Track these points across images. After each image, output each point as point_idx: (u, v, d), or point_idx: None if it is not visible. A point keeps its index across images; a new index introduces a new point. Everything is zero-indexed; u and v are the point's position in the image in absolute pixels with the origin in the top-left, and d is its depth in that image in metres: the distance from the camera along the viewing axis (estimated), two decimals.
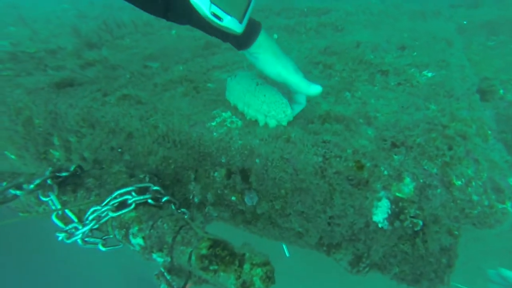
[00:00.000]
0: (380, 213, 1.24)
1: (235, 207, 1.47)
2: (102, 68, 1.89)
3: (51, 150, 1.64)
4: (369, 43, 2.42)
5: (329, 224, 1.35)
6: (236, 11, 1.01)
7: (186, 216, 1.30)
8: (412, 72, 1.96)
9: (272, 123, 1.31)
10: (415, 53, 2.25)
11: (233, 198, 1.43)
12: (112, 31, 2.45)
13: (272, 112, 1.29)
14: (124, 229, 1.09)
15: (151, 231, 1.10)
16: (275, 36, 2.59)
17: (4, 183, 1.18)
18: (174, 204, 1.40)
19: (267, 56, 1.20)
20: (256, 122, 1.35)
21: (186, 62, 1.97)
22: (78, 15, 3.73)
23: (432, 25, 3.06)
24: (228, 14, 1.00)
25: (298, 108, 1.36)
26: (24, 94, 1.58)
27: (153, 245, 1.08)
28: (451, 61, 2.06)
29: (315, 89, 1.22)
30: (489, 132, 1.39)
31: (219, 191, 1.45)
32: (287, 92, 1.37)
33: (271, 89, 1.31)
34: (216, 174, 1.40)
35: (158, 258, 1.11)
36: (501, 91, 2.00)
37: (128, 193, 1.19)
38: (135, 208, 1.17)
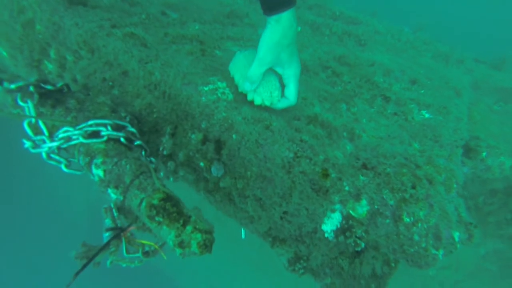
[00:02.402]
0: (330, 224, 1.30)
1: (201, 173, 1.51)
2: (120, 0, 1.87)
3: (45, 61, 1.63)
4: (384, 66, 2.44)
5: (281, 218, 1.40)
6: None
7: (152, 166, 1.33)
8: (411, 108, 2.00)
9: (258, 100, 1.34)
10: (423, 91, 2.28)
11: (201, 164, 1.46)
12: None
13: (260, 89, 1.32)
14: (89, 157, 1.12)
15: (113, 167, 1.13)
16: (299, 29, 2.58)
17: None
18: (145, 150, 1.44)
19: (272, 34, 1.21)
20: (245, 97, 1.38)
21: (204, 24, 1.96)
22: None
23: (450, 71, 3.08)
24: None
25: (284, 103, 1.38)
26: None
27: (111, 181, 1.11)
28: (451, 111, 2.09)
29: (292, 99, 1.37)
30: (455, 185, 1.44)
31: (190, 153, 1.48)
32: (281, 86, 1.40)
33: (271, 73, 1.33)
34: (193, 136, 1.43)
35: (112, 194, 1.15)
36: (484, 153, 2.06)
37: (104, 125, 1.21)
38: (106, 141, 1.20)
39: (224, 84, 1.42)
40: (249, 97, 1.36)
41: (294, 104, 1.39)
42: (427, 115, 1.99)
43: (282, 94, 1.37)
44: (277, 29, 1.19)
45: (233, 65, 1.46)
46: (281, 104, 1.37)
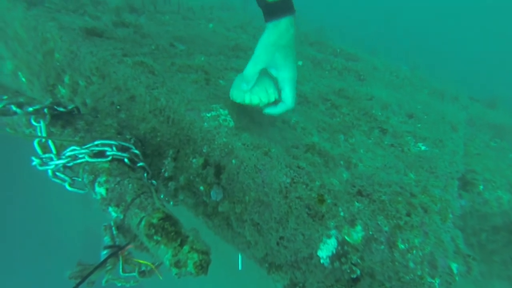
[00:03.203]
0: (326, 250, 1.31)
1: (200, 197, 1.54)
2: (133, 32, 2.01)
3: (59, 86, 1.73)
4: (382, 100, 2.53)
5: (277, 243, 1.41)
6: None
7: (152, 186, 1.37)
8: (408, 140, 2.06)
9: (255, 99, 1.39)
10: (419, 125, 2.35)
11: (201, 188, 1.50)
12: (156, 4, 2.58)
13: (256, 88, 1.38)
14: (93, 176, 1.16)
15: (116, 186, 1.17)
16: (300, 63, 2.71)
17: (5, 97, 1.27)
18: (147, 172, 1.48)
19: (269, 35, 1.27)
20: (246, 125, 1.44)
21: (210, 56, 2.08)
22: None
23: (446, 107, 3.17)
24: None
25: (282, 107, 1.42)
26: (56, 28, 1.69)
27: (113, 199, 1.15)
28: (447, 144, 2.15)
29: (290, 103, 1.40)
30: (450, 215, 1.46)
31: (191, 177, 1.52)
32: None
33: (266, 76, 1.40)
34: (194, 160, 1.48)
35: (113, 213, 1.18)
36: (481, 187, 2.08)
37: (110, 146, 1.27)
38: (110, 161, 1.25)
39: (226, 112, 1.49)
40: (247, 99, 1.40)
41: (291, 107, 1.43)
42: (423, 148, 2.04)
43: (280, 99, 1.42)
44: (273, 31, 1.26)
45: (232, 87, 1.52)
46: (279, 109, 1.41)
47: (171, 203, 1.68)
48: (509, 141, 3.11)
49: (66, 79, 1.68)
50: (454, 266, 1.28)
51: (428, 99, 3.32)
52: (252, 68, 1.33)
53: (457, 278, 1.29)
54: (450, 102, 3.50)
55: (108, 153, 1.24)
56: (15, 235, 6.79)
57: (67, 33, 1.64)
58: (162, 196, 1.62)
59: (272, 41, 1.28)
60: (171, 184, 1.43)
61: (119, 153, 1.27)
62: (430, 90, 3.61)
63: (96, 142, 1.21)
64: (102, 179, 1.16)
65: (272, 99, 1.41)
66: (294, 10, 1.27)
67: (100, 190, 1.15)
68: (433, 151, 2.03)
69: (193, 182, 1.53)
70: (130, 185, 1.20)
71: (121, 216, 1.16)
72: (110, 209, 1.18)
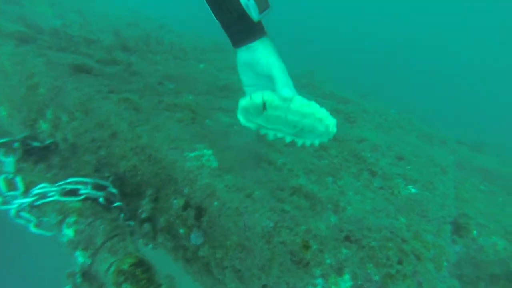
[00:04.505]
0: None
1: (180, 241, 1.45)
2: (123, 69, 2.02)
3: (41, 121, 1.69)
4: (371, 142, 2.52)
5: None
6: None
7: (128, 228, 1.28)
8: (398, 182, 2.02)
9: (259, 97, 1.15)
10: (409, 167, 2.33)
11: (181, 230, 1.41)
12: (149, 44, 2.64)
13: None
14: (62, 216, 1.08)
15: (86, 227, 1.09)
16: None
17: None
18: (124, 213, 1.40)
19: (267, 47, 1.16)
20: (229, 166, 1.39)
21: (198, 95, 2.08)
22: (131, 23, 4.05)
23: (435, 150, 3.18)
24: None
25: (288, 92, 1.16)
26: (43, 63, 1.68)
27: (81, 242, 1.06)
28: (438, 187, 2.11)
29: (288, 92, 1.10)
30: (445, 263, 1.38)
31: (171, 219, 1.44)
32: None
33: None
34: (175, 201, 1.41)
35: (80, 257, 1.08)
36: (475, 232, 2.02)
37: (84, 184, 1.20)
38: (83, 200, 1.17)
39: (210, 152, 1.45)
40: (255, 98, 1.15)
41: (292, 94, 1.13)
42: (413, 190, 2.00)
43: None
44: (270, 45, 1.18)
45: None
46: (286, 92, 1.11)
47: (150, 246, 1.57)
48: (498, 185, 3.10)
49: (49, 113, 1.64)
50: None
51: (417, 142, 3.34)
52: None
53: None
54: (438, 145, 3.53)
55: (81, 191, 1.17)
56: None
57: (54, 69, 1.64)
58: (139, 240, 1.52)
59: (267, 58, 1.16)
60: (146, 226, 1.35)
61: (94, 192, 1.21)
62: (419, 133, 3.64)
63: (69, 180, 1.15)
64: (71, 219, 1.09)
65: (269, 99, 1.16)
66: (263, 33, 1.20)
67: (68, 232, 1.07)
68: (423, 193, 1.99)
69: (173, 224, 1.45)
70: (102, 226, 1.12)
71: (89, 261, 1.07)
72: (77, 253, 1.08)
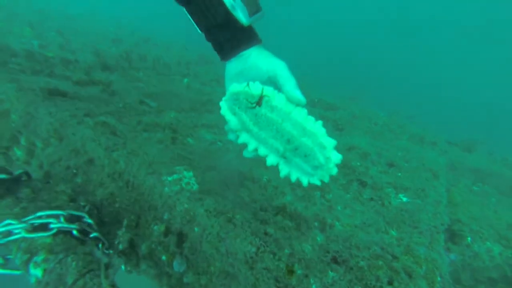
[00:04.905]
0: None
1: (163, 268, 1.39)
2: (101, 90, 1.97)
3: (15, 148, 1.63)
4: (361, 150, 2.49)
5: None
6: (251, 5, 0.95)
7: (104, 261, 1.22)
8: (388, 192, 1.97)
9: (258, 88, 0.95)
10: (400, 174, 2.29)
11: (163, 257, 1.35)
12: (131, 61, 2.59)
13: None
14: (29, 254, 1.02)
15: (56, 265, 1.03)
16: None
17: None
18: (103, 243, 1.33)
19: (262, 51, 1.02)
20: (209, 188, 1.34)
21: (181, 112, 2.03)
22: (115, 39, 4.00)
23: (426, 153, 3.16)
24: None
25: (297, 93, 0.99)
26: (13, 89, 1.63)
27: (50, 282, 1.00)
28: (429, 194, 2.07)
29: (300, 94, 0.92)
30: (438, 278, 1.34)
31: (153, 245, 1.38)
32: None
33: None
34: (155, 227, 1.35)
35: None
36: (469, 238, 1.98)
37: (56, 216, 1.14)
38: (54, 234, 1.11)
39: (191, 174, 1.40)
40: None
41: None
42: (404, 199, 1.96)
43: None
44: (264, 51, 1.03)
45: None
46: (298, 94, 0.94)
47: (134, 273, 1.51)
48: (490, 185, 3.09)
49: (22, 140, 1.59)
50: None
51: (408, 145, 3.31)
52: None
53: None
54: (429, 147, 3.51)
55: (52, 225, 1.11)
56: None
57: (25, 94, 1.58)
58: (123, 268, 1.46)
59: (267, 61, 1.01)
60: (119, 262, 1.28)
61: (66, 225, 1.14)
62: (410, 136, 3.62)
63: (38, 214, 1.09)
64: (39, 258, 1.02)
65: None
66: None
67: (36, 272, 1.00)
68: (415, 202, 1.95)
69: (154, 251, 1.39)
70: (74, 263, 1.06)
71: None
72: None
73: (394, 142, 3.31)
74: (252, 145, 0.96)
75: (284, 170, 0.96)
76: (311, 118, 0.92)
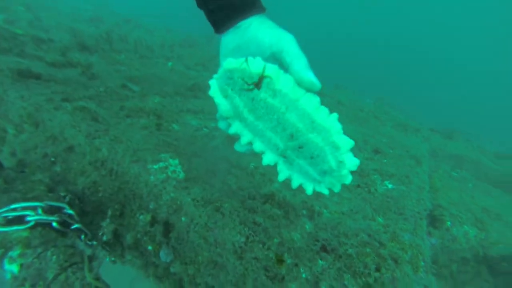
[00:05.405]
0: None
1: (149, 258, 1.35)
2: (80, 73, 1.86)
3: None
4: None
5: None
6: None
7: (87, 253, 1.18)
8: (374, 179, 1.99)
9: (259, 66, 0.78)
10: (386, 161, 2.32)
11: (149, 247, 1.32)
12: (112, 42, 2.46)
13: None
14: (3, 249, 0.96)
15: (34, 260, 0.98)
16: None
17: None
18: (85, 234, 1.28)
19: (264, 21, 0.86)
20: (197, 175, 1.31)
21: (165, 97, 1.96)
22: (94, 18, 3.79)
23: (410, 139, 3.22)
24: None
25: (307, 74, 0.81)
26: None
27: (27, 278, 0.95)
28: (413, 180, 2.11)
29: (312, 75, 0.74)
30: (422, 263, 1.36)
31: (138, 236, 1.34)
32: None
33: None
34: (141, 217, 1.31)
35: None
36: (449, 223, 2.04)
37: (33, 208, 1.08)
38: (32, 227, 1.05)
39: (176, 161, 1.35)
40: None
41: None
42: (390, 186, 1.98)
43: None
44: (268, 20, 0.87)
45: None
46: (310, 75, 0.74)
47: (119, 263, 1.47)
48: (468, 171, 3.19)
49: None
50: None
51: (392, 132, 3.36)
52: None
53: None
54: (413, 134, 3.57)
55: (29, 218, 1.05)
56: None
57: None
58: (107, 259, 1.42)
59: (272, 32, 0.84)
60: (103, 253, 1.24)
61: (45, 217, 1.08)
62: (394, 123, 3.67)
63: (12, 206, 1.02)
64: (15, 253, 0.97)
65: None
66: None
67: (11, 268, 0.95)
68: (400, 188, 1.97)
69: (140, 241, 1.35)
70: (55, 256, 1.01)
71: None
72: None
73: (380, 128, 3.35)
74: (245, 137, 0.79)
75: (283, 173, 0.79)
76: (325, 109, 0.73)
